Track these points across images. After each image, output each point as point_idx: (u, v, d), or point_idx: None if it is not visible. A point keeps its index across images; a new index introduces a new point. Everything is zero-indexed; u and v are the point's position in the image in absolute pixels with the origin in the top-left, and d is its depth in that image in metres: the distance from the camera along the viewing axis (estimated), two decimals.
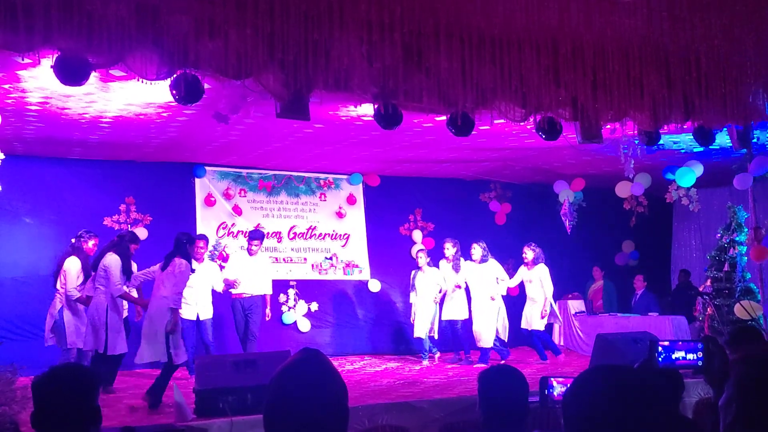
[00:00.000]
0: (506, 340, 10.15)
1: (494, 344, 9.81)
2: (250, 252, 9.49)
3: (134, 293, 8.24)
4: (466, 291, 10.07)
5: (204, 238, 9.23)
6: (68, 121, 7.92)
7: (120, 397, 7.36)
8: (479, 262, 9.92)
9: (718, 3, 5.74)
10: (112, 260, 7.41)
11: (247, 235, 10.26)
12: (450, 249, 10.02)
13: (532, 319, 10.01)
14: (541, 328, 10.12)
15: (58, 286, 7.77)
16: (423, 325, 9.87)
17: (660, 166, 10.36)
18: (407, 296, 10.57)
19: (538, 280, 10.03)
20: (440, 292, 9.94)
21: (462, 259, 10.02)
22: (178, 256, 7.14)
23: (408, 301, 10.46)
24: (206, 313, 8.99)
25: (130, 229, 7.77)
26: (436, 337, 10.08)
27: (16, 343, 8.93)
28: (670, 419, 3.01)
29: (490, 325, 9.77)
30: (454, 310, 9.95)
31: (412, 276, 10.20)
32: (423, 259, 10.02)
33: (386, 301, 11.92)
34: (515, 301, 11.04)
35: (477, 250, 9.93)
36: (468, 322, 10.00)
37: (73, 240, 8.09)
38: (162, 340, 6.88)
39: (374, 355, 11.11)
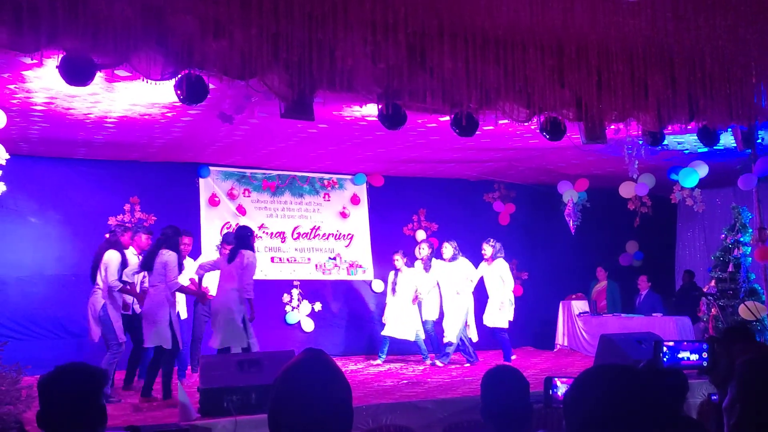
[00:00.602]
0: (475, 340, 10.10)
1: (459, 343, 9.76)
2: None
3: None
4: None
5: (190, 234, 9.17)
6: (73, 122, 7.94)
7: (124, 396, 7.38)
8: (449, 261, 9.93)
9: (723, 3, 5.73)
10: (170, 257, 7.42)
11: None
12: (425, 250, 10.07)
13: (494, 316, 9.97)
14: (505, 325, 10.11)
15: (98, 281, 7.63)
16: (409, 328, 9.84)
17: (664, 167, 10.35)
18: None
19: (498, 276, 10.00)
20: (415, 293, 9.92)
21: (433, 258, 10.07)
22: (243, 248, 7.66)
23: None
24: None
25: (170, 225, 7.83)
26: (423, 336, 10.00)
27: (21, 343, 8.96)
28: (673, 420, 3.01)
29: (454, 321, 9.75)
30: (426, 311, 10.04)
31: (390, 277, 10.19)
32: (400, 261, 10.02)
33: None
34: (517, 301, 11.04)
35: (447, 249, 9.97)
36: (439, 322, 10.05)
37: (107, 235, 8.04)
38: (238, 329, 7.46)
39: (377, 356, 11.10)
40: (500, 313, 10.11)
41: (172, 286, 7.35)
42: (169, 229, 7.48)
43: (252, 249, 7.81)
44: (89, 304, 7.65)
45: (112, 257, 7.63)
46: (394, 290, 10.07)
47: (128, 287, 7.89)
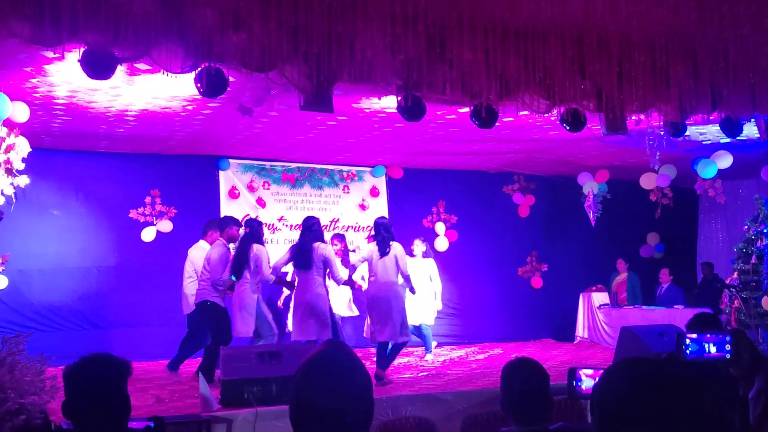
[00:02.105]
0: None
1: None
2: None
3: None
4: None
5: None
6: (94, 115, 8.01)
7: (146, 387, 7.45)
8: (422, 258, 9.84)
9: None
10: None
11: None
12: (419, 246, 9.91)
13: (422, 313, 9.75)
14: (432, 322, 9.97)
15: (247, 275, 7.60)
16: (428, 311, 9.73)
17: (686, 158, 10.25)
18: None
19: (427, 276, 9.83)
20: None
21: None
22: (392, 241, 7.76)
23: None
24: None
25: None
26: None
27: (44, 334, 9.06)
28: (700, 413, 2.99)
29: (427, 310, 9.68)
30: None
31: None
32: (420, 247, 9.83)
33: None
34: (537, 293, 10.99)
35: (418, 247, 9.86)
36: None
37: (245, 229, 7.99)
38: (396, 322, 7.56)
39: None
40: (428, 311, 9.86)
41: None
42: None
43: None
44: (236, 300, 7.63)
45: (261, 251, 7.70)
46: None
47: (283, 278, 8.11)
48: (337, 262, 7.90)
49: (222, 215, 10.69)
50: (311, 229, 7.64)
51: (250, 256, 7.58)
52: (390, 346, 7.69)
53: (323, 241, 7.70)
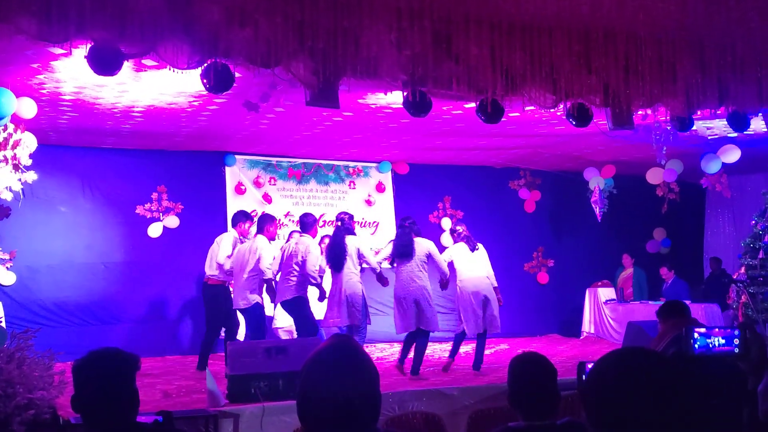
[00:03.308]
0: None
1: None
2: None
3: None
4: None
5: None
6: (101, 111, 8.03)
7: (154, 383, 7.47)
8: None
9: None
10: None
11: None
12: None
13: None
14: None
15: (351, 266, 7.73)
16: None
17: (693, 152, 10.22)
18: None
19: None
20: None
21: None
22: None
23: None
24: None
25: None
26: None
27: (52, 330, 9.11)
28: (695, 404, 2.98)
29: None
30: None
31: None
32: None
33: None
34: (543, 288, 10.95)
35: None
36: None
37: (338, 223, 8.03)
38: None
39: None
40: None
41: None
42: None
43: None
44: (342, 290, 7.63)
45: (361, 243, 7.96)
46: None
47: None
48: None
49: (228, 211, 10.73)
50: (404, 225, 7.91)
51: (346, 247, 7.72)
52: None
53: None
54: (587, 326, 11.87)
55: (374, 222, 11.83)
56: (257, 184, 11.12)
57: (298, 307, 7.70)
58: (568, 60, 6.23)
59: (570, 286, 12.35)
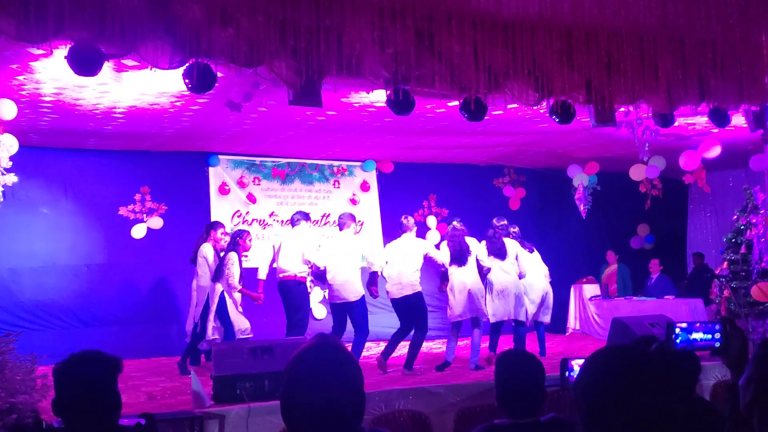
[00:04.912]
0: None
1: None
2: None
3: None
4: None
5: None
6: (82, 112, 7.96)
7: (138, 385, 7.43)
8: None
9: None
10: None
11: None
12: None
13: None
14: None
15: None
16: None
17: (675, 149, 10.28)
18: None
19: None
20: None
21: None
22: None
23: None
24: None
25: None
26: None
27: (34, 333, 9.03)
28: (685, 401, 3.00)
29: None
30: None
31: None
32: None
33: None
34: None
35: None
36: None
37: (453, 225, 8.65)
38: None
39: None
40: None
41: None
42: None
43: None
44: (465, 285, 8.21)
45: (478, 246, 8.62)
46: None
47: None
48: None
49: (212, 211, 10.69)
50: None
51: (468, 247, 8.48)
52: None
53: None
54: (573, 323, 11.92)
55: (359, 221, 11.82)
56: (241, 184, 11.08)
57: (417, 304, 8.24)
58: (550, 57, 6.25)
59: (555, 283, 12.31)
